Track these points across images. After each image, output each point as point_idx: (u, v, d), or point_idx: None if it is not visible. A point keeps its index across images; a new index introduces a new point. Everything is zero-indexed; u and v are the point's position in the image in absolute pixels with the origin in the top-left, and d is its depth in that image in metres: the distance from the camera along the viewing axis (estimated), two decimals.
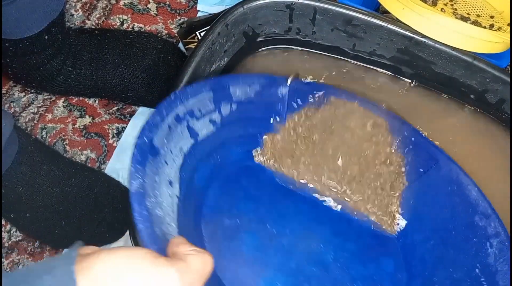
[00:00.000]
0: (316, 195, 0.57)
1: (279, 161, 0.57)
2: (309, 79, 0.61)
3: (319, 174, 0.57)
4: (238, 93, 0.53)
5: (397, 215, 0.57)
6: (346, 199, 0.57)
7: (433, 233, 0.54)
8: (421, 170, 0.56)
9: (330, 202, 0.57)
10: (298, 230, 0.54)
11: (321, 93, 0.57)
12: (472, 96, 0.61)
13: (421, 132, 0.58)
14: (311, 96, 0.57)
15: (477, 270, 0.50)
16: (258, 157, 0.57)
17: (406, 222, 0.56)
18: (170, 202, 0.43)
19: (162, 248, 0.35)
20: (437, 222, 0.54)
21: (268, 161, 0.57)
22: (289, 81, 0.56)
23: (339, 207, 0.57)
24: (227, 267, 0.48)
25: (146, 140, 0.42)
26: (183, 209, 0.45)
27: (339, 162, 0.57)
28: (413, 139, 0.56)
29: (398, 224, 0.56)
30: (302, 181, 0.57)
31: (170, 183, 0.44)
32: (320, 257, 0.52)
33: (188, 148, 0.49)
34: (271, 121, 0.57)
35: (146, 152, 0.42)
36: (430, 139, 0.57)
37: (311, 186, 0.57)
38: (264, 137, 0.57)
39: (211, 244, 0.49)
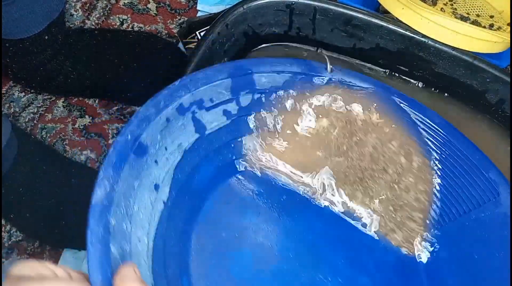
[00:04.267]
0: (337, 210, 0.48)
1: (299, 163, 0.49)
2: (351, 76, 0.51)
3: (345, 184, 0.49)
4: (263, 81, 0.45)
5: (428, 249, 0.48)
6: (373, 220, 0.49)
7: (469, 282, 0.45)
8: (475, 201, 0.46)
9: (354, 220, 0.48)
10: (304, 254, 0.44)
11: (367, 90, 0.48)
12: (472, 96, 0.61)
13: (481, 151, 0.47)
14: (355, 92, 0.48)
15: None
16: (278, 156, 0.48)
17: (436, 255, 0.47)
18: (150, 210, 0.37)
19: (113, 273, 0.31)
20: (478, 271, 0.45)
21: (288, 162, 0.49)
22: (329, 69, 0.48)
23: (364, 227, 0.48)
24: None
25: (131, 137, 0.37)
26: (169, 217, 0.39)
27: (370, 174, 0.49)
28: (470, 158, 0.46)
29: (429, 259, 0.48)
30: (321, 190, 0.49)
31: (156, 187, 0.38)
32: None
33: (190, 143, 0.42)
34: (302, 115, 0.48)
35: (128, 152, 0.36)
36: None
37: (332, 198, 0.48)
38: (289, 133, 0.48)
39: (197, 259, 0.41)
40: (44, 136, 0.71)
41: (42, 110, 0.72)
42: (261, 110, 0.47)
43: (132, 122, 0.37)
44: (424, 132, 0.49)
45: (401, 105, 0.50)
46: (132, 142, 0.37)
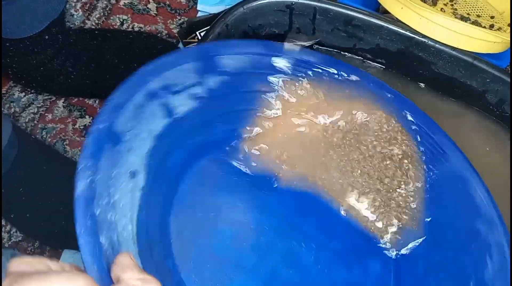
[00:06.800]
0: (307, 189, 0.50)
1: (269, 147, 0.50)
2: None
3: (315, 166, 0.51)
4: (229, 63, 0.46)
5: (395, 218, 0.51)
6: (339, 196, 0.51)
7: (430, 236, 0.49)
8: (429, 165, 0.50)
9: (323, 197, 0.50)
10: (278, 226, 0.47)
11: (339, 71, 0.50)
12: (472, 96, 0.61)
13: (429, 117, 0.51)
14: (324, 73, 0.50)
15: (471, 284, 0.44)
16: (246, 138, 0.49)
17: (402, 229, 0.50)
18: (130, 198, 0.37)
19: (107, 265, 0.31)
20: (436, 224, 0.49)
21: (256, 144, 0.50)
22: (286, 47, 0.49)
23: (334, 204, 0.50)
24: (194, 269, 0.41)
25: (104, 126, 0.36)
26: (148, 203, 0.39)
27: (341, 155, 0.51)
28: (421, 127, 0.51)
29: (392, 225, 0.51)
30: (292, 170, 0.50)
31: (133, 174, 0.38)
32: (300, 258, 0.46)
33: (160, 129, 0.42)
34: (268, 98, 0.49)
35: (104, 141, 0.36)
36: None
37: (301, 177, 0.50)
38: (257, 115, 0.49)
39: (178, 242, 0.42)
40: (45, 136, 0.71)
41: (42, 110, 0.72)
42: (231, 92, 0.47)
43: (105, 110, 0.37)
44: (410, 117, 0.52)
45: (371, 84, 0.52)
46: (106, 131, 0.36)
